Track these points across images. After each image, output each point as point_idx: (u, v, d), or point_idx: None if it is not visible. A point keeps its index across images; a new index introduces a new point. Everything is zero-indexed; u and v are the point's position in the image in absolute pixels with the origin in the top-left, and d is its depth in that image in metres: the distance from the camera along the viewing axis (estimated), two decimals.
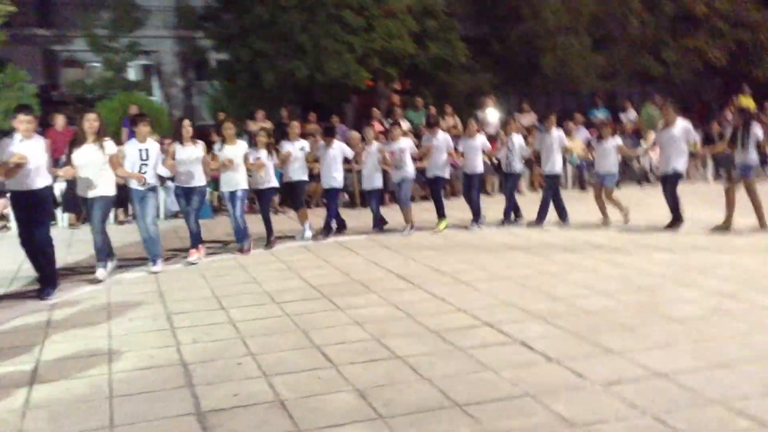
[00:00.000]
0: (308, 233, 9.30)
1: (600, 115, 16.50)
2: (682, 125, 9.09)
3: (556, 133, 9.95)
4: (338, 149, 9.55)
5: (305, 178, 9.50)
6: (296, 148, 9.27)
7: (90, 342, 5.18)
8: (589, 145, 12.45)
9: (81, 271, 7.62)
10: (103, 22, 18.31)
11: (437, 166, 9.70)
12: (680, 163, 9.13)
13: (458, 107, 16.58)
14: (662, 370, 4.24)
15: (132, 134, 8.08)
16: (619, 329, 5.09)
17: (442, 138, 9.69)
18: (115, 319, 5.75)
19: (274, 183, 9.04)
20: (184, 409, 3.89)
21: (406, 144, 9.63)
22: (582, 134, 14.28)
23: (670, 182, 9.16)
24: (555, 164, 9.89)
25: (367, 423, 3.66)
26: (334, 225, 9.56)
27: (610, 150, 9.68)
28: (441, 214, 9.77)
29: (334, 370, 4.44)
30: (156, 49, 21.01)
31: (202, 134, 14.36)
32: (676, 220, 9.10)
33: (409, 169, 9.56)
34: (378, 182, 9.72)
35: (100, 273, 7.13)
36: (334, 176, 9.48)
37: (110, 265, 7.37)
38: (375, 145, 9.68)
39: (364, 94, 19.78)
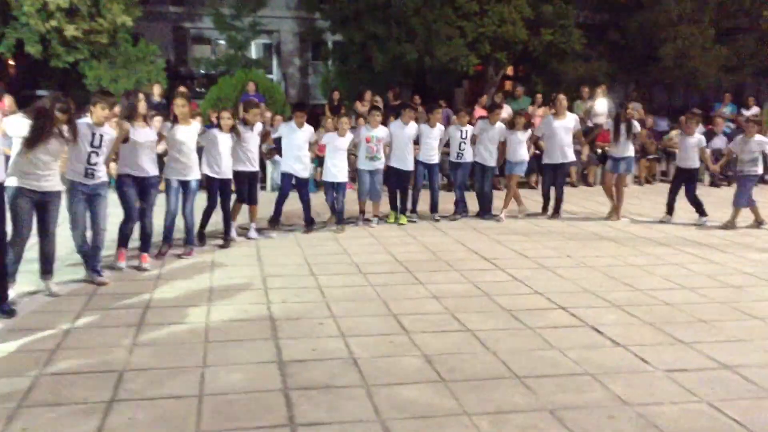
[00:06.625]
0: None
1: (725, 110, 15.79)
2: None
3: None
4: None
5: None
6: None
7: (194, 295, 5.75)
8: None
9: None
10: (228, 1, 19.27)
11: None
12: None
13: (570, 95, 16.34)
14: (729, 363, 4.26)
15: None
16: (695, 322, 5.09)
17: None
18: (217, 277, 6.31)
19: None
20: (268, 357, 4.32)
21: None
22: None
23: None
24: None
25: (429, 384, 3.94)
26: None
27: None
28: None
29: (406, 336, 4.74)
30: (276, 28, 21.92)
31: (313, 114, 14.97)
32: None
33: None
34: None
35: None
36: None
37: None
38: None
39: (474, 80, 19.84)
